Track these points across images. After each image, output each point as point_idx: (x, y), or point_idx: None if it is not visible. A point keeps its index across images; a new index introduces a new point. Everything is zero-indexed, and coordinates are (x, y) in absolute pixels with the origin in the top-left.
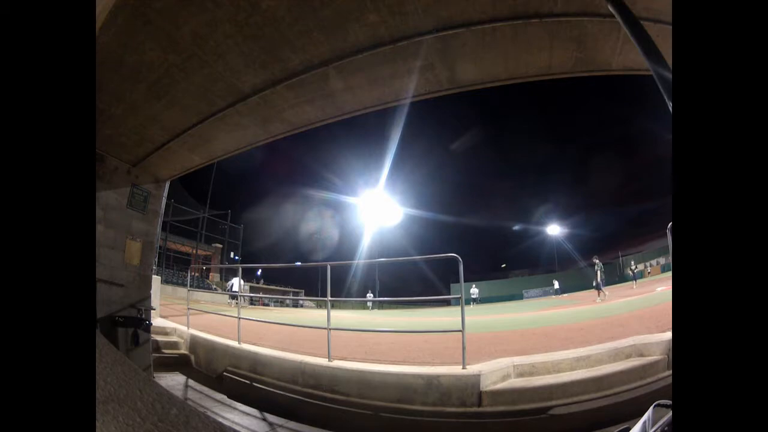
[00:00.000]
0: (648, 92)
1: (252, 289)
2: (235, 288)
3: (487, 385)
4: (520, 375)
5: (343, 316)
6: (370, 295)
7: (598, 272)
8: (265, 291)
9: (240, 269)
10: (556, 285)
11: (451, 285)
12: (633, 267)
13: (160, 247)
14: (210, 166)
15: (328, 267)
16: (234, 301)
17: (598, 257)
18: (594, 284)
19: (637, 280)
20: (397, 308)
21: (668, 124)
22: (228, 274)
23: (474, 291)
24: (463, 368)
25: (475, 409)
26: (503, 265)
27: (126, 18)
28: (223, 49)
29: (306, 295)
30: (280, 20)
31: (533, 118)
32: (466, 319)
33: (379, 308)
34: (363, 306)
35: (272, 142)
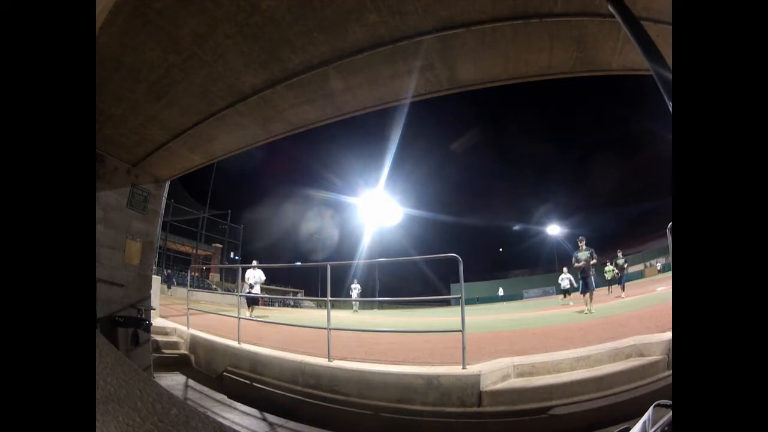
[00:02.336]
0: (648, 92)
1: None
2: (255, 286)
3: (487, 385)
4: (520, 375)
5: (342, 317)
6: (355, 290)
7: (582, 263)
8: (266, 291)
9: (240, 269)
10: (501, 292)
11: (451, 285)
12: (620, 260)
13: (160, 247)
14: (210, 166)
15: (328, 267)
16: (253, 306)
17: (585, 240)
18: (577, 282)
19: (625, 284)
20: (397, 308)
21: (668, 124)
22: (227, 273)
23: (565, 278)
24: (463, 368)
25: (475, 409)
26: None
27: (126, 18)
28: (223, 49)
29: (306, 295)
30: (280, 20)
31: (533, 118)
32: (476, 319)
33: (379, 308)
34: (348, 306)
35: (272, 142)
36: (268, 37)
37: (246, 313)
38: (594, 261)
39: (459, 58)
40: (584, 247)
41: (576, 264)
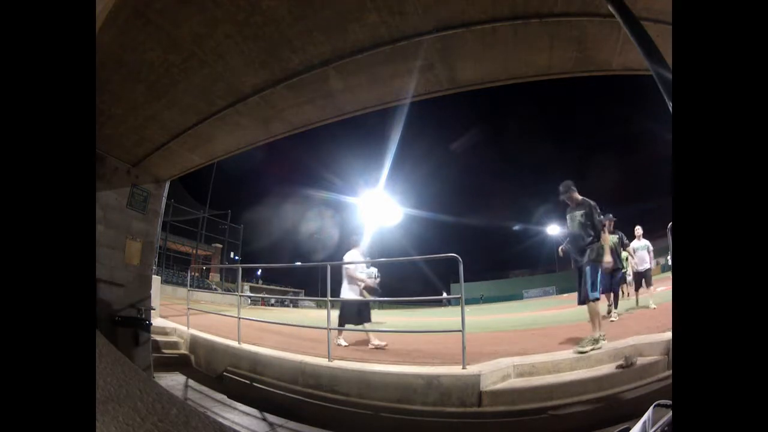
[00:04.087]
0: (648, 92)
1: (252, 290)
2: (362, 275)
3: (487, 385)
4: (520, 375)
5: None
6: (370, 281)
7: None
8: (265, 291)
9: (240, 269)
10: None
11: (451, 285)
12: (614, 236)
13: (160, 247)
14: (210, 166)
15: (328, 267)
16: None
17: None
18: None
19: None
20: (397, 308)
21: (668, 124)
22: (227, 273)
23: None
24: (463, 368)
25: (475, 409)
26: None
27: (126, 18)
28: (223, 49)
29: (306, 295)
30: (280, 20)
31: (533, 118)
32: (469, 319)
33: (379, 308)
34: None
35: (272, 142)
36: (268, 37)
37: (340, 340)
38: (606, 233)
39: (459, 58)
40: (578, 198)
41: (564, 241)
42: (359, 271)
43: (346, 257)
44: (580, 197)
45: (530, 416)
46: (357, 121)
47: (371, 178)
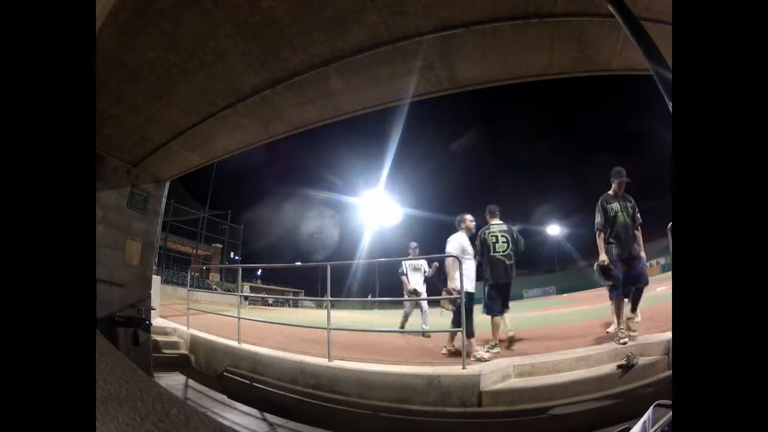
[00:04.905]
0: (648, 92)
1: (252, 290)
2: (456, 281)
3: (487, 385)
4: (520, 375)
5: (342, 316)
6: (417, 274)
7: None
8: (265, 291)
9: (240, 269)
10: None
11: None
12: (612, 204)
13: (160, 247)
14: (210, 166)
15: (328, 267)
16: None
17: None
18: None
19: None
20: (398, 308)
21: (668, 124)
22: (227, 273)
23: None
24: (463, 368)
25: (475, 409)
26: None
27: (126, 18)
28: (223, 49)
29: (306, 295)
30: (280, 20)
31: (533, 118)
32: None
33: (379, 308)
34: (363, 306)
35: (272, 142)
36: (268, 37)
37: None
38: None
39: (459, 58)
40: (493, 222)
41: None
42: (457, 267)
43: (452, 242)
44: (495, 221)
45: (530, 416)
46: (357, 121)
47: (371, 178)
